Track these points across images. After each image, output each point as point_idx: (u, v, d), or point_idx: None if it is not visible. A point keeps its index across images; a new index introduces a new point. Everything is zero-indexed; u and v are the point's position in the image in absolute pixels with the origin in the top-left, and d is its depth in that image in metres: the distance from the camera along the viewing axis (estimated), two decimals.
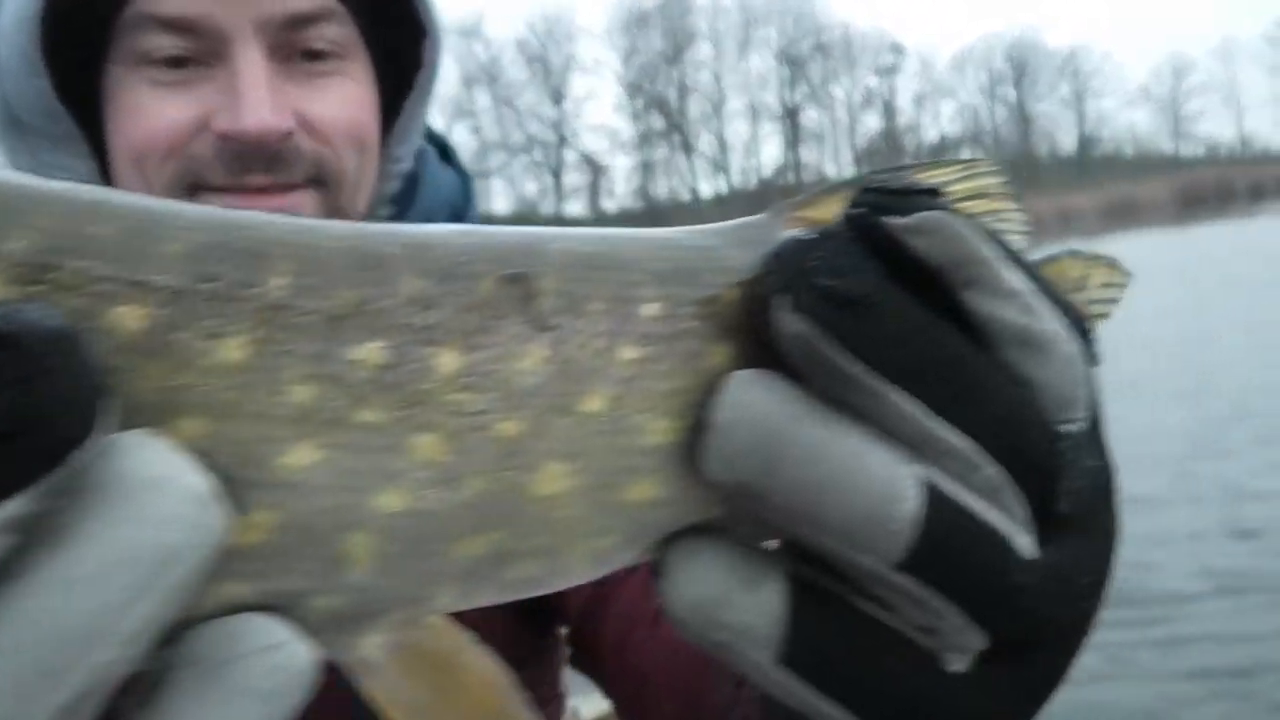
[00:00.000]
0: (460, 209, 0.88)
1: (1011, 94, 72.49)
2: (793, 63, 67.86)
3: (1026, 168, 67.01)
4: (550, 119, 63.01)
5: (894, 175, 0.34)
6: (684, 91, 66.56)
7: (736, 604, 0.31)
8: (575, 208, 65.18)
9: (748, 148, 69.43)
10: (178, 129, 0.71)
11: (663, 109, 66.36)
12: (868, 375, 0.30)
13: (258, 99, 0.70)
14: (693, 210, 61.46)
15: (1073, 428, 0.32)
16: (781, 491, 0.30)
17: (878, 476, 0.30)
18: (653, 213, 61.94)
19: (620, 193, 67.19)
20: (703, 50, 68.50)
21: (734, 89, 68.76)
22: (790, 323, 0.30)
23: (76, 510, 0.25)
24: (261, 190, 0.72)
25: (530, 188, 63.98)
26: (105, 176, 0.76)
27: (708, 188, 68.63)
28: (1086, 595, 0.33)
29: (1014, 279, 0.32)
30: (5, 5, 0.72)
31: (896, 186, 0.32)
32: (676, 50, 66.21)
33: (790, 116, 68.47)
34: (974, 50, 72.89)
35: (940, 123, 74.69)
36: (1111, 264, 0.46)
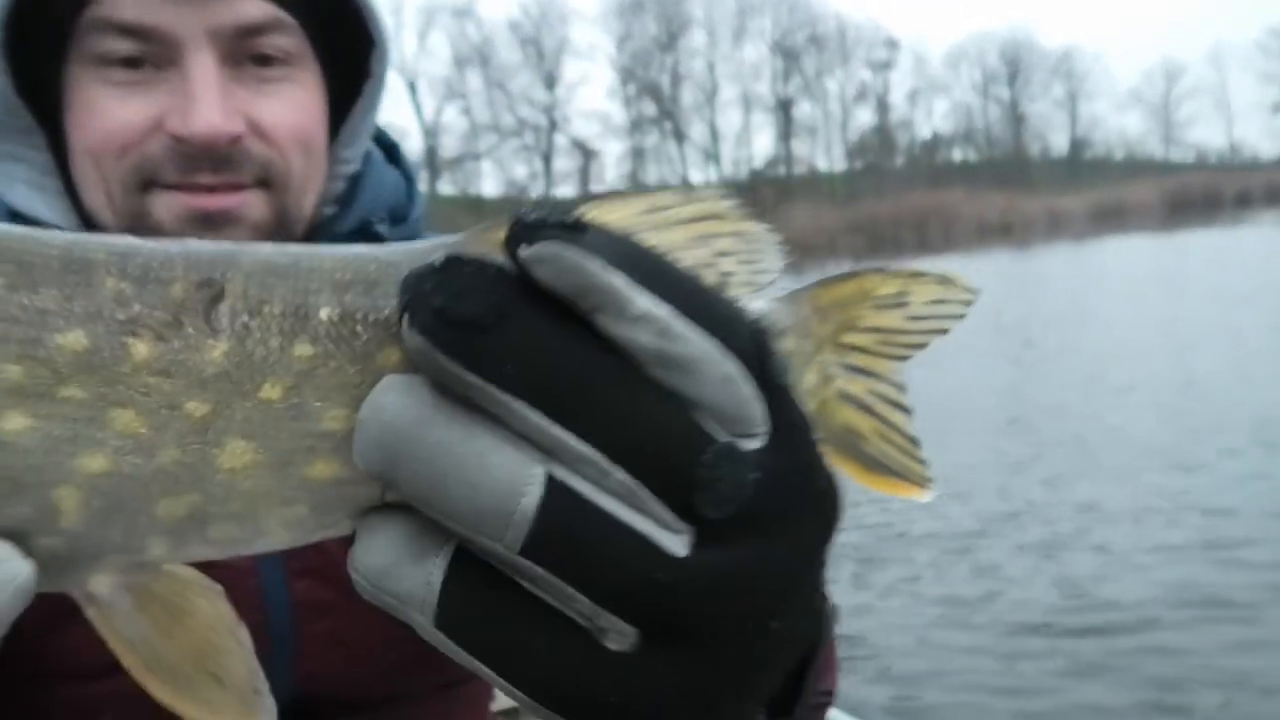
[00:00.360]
0: (402, 208, 0.91)
1: (1005, 93, 72.44)
2: (787, 54, 67.53)
3: (1018, 167, 66.98)
4: (542, 103, 62.58)
5: (542, 207, 0.36)
6: (677, 79, 66.23)
7: (401, 574, 0.36)
8: (565, 192, 64.84)
9: (739, 138, 69.17)
10: (132, 129, 0.76)
11: (655, 96, 66.03)
12: (488, 387, 0.34)
13: (208, 104, 0.74)
14: None
15: (748, 442, 0.36)
16: (407, 482, 0.35)
17: (500, 473, 0.35)
18: None
19: (610, 179, 66.90)
20: (697, 38, 68.12)
21: (727, 78, 68.46)
22: (409, 338, 0.35)
23: None
24: (211, 189, 0.77)
25: (520, 171, 63.61)
26: (63, 168, 0.81)
27: (699, 176, 68.30)
28: (757, 597, 0.37)
29: (646, 305, 0.35)
30: None
31: (532, 220, 0.35)
32: (671, 37, 65.80)
33: (783, 108, 68.20)
34: (968, 47, 72.82)
35: (933, 119, 74.60)
36: (943, 280, 0.46)
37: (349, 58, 0.85)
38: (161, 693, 0.40)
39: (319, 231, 0.85)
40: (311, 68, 0.82)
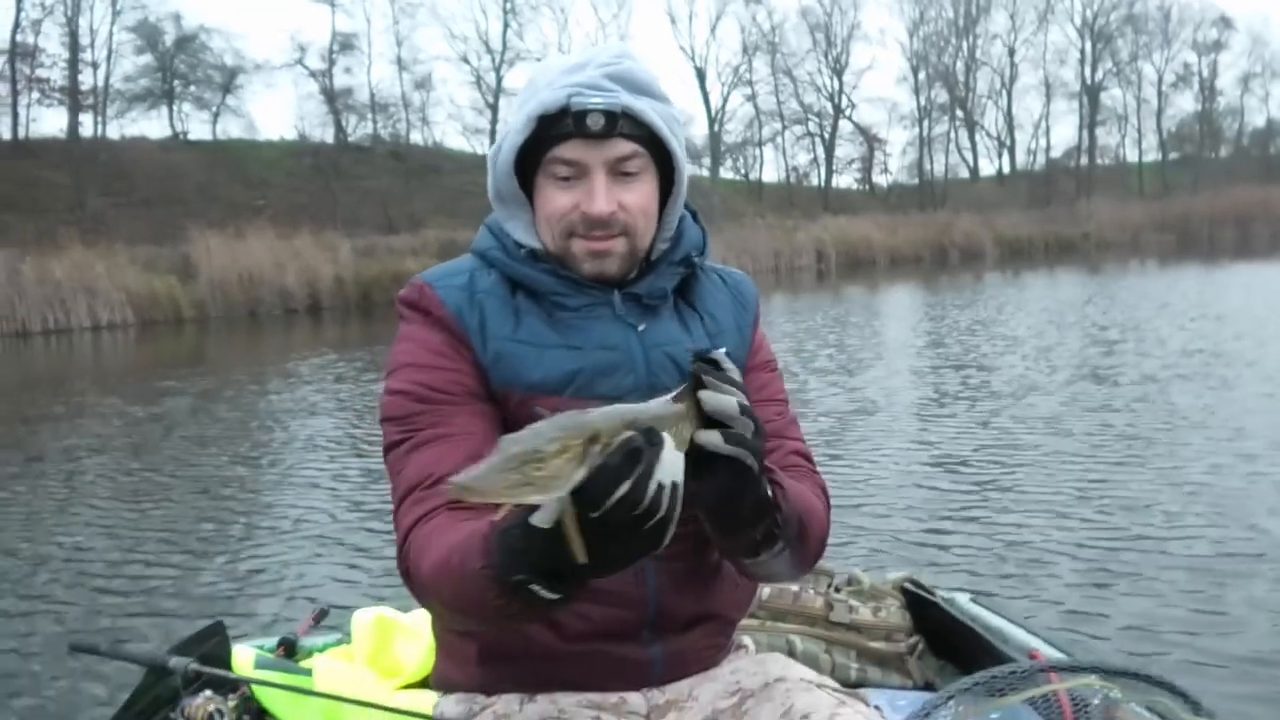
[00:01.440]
0: (700, 247, 1.65)
1: None
2: (1097, 36, 62.66)
3: None
4: (828, 90, 61.75)
5: (719, 376, 1.15)
6: (972, 65, 63.22)
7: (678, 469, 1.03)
8: (845, 181, 63.80)
9: (1037, 126, 65.11)
10: (566, 209, 1.49)
11: (948, 82, 63.30)
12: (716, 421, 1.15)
13: (601, 198, 1.47)
14: (971, 189, 58.51)
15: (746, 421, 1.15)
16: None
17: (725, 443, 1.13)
18: (928, 189, 59.46)
19: (895, 168, 64.99)
20: (998, 21, 64.71)
21: (1028, 63, 64.54)
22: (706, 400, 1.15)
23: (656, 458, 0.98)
24: (599, 238, 1.49)
25: (802, 158, 63.16)
26: (534, 225, 1.55)
27: (989, 166, 65.05)
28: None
29: (729, 402, 1.14)
30: (504, 146, 1.49)
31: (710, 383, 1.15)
32: (969, 21, 62.89)
33: (1089, 94, 63.40)
34: None
35: (1269, 107, 66.73)
36: None
37: (670, 170, 1.59)
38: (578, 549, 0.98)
39: (662, 258, 1.58)
40: (651, 172, 1.54)
